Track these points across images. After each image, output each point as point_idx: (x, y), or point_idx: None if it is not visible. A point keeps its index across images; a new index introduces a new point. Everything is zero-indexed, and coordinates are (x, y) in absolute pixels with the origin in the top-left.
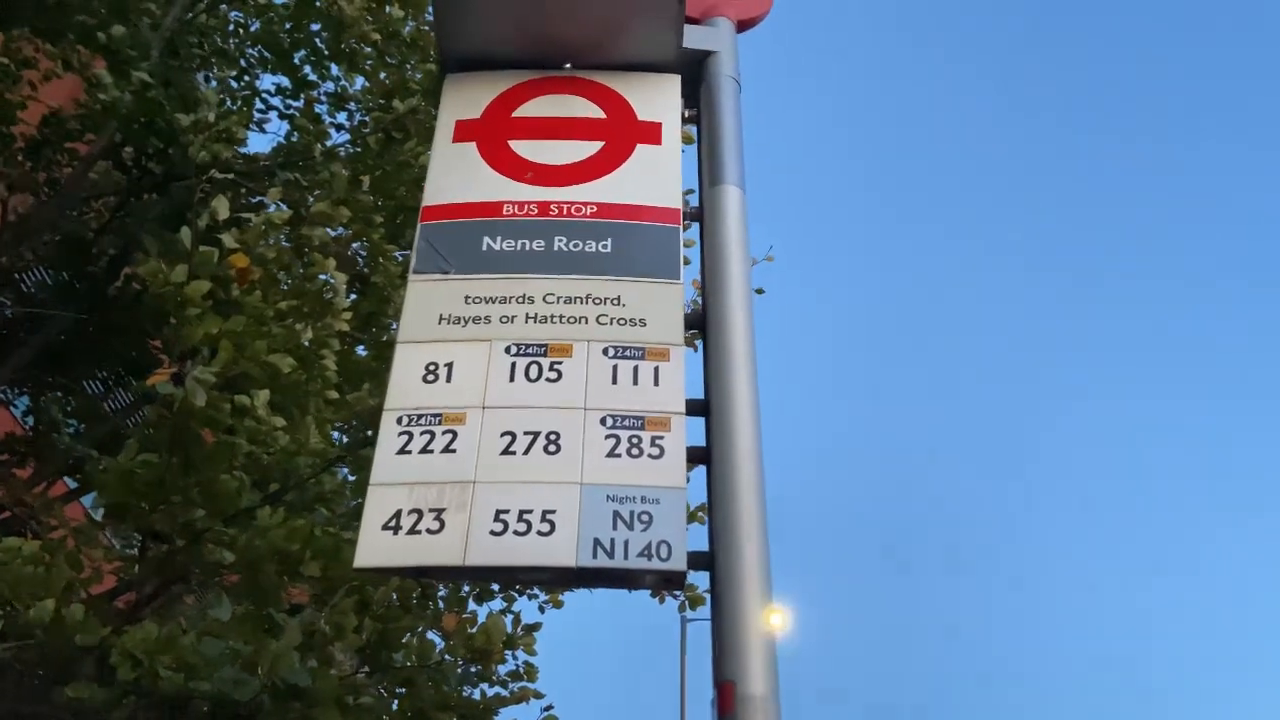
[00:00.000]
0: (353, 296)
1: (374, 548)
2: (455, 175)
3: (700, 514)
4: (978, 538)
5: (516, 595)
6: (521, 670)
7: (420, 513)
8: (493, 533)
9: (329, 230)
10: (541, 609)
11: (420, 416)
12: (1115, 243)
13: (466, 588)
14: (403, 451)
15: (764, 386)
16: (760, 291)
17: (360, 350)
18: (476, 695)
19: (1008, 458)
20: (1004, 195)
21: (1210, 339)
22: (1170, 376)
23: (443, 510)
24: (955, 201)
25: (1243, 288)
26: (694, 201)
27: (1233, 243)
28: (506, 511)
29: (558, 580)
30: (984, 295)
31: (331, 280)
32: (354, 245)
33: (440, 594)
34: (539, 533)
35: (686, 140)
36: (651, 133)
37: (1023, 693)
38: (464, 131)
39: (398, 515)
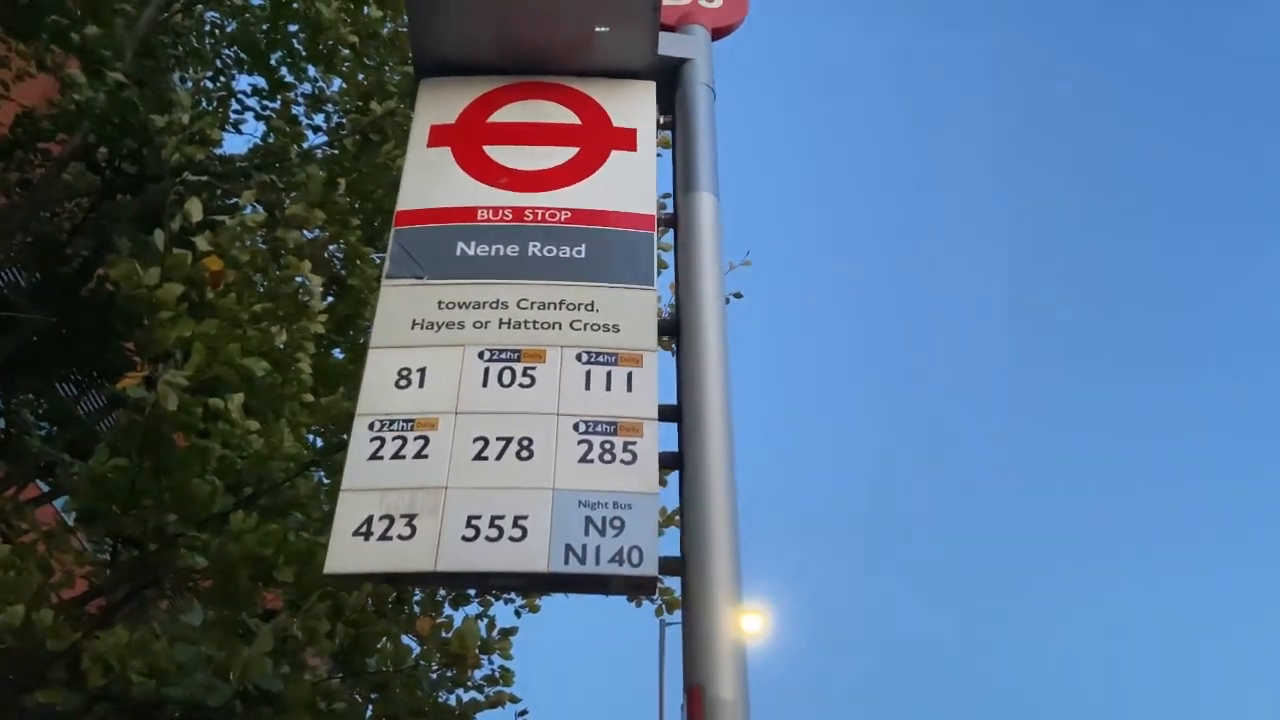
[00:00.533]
0: (329, 299)
1: (345, 553)
2: (430, 180)
3: (677, 518)
4: (974, 538)
5: (493, 599)
6: (497, 675)
7: (392, 518)
8: (464, 538)
9: (305, 233)
10: (518, 613)
11: (392, 422)
12: (1124, 241)
13: (442, 592)
14: (374, 457)
15: (759, 388)
16: (738, 295)
17: (336, 353)
18: (452, 700)
19: (1005, 460)
20: (1008, 194)
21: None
22: (1176, 377)
23: (414, 516)
24: (958, 201)
25: None
26: (670, 207)
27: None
28: (478, 517)
29: (530, 585)
30: (985, 295)
31: (307, 283)
32: (330, 247)
33: (415, 598)
34: (511, 538)
35: (664, 145)
36: (626, 139)
37: (1017, 700)
38: (439, 136)
39: (369, 521)
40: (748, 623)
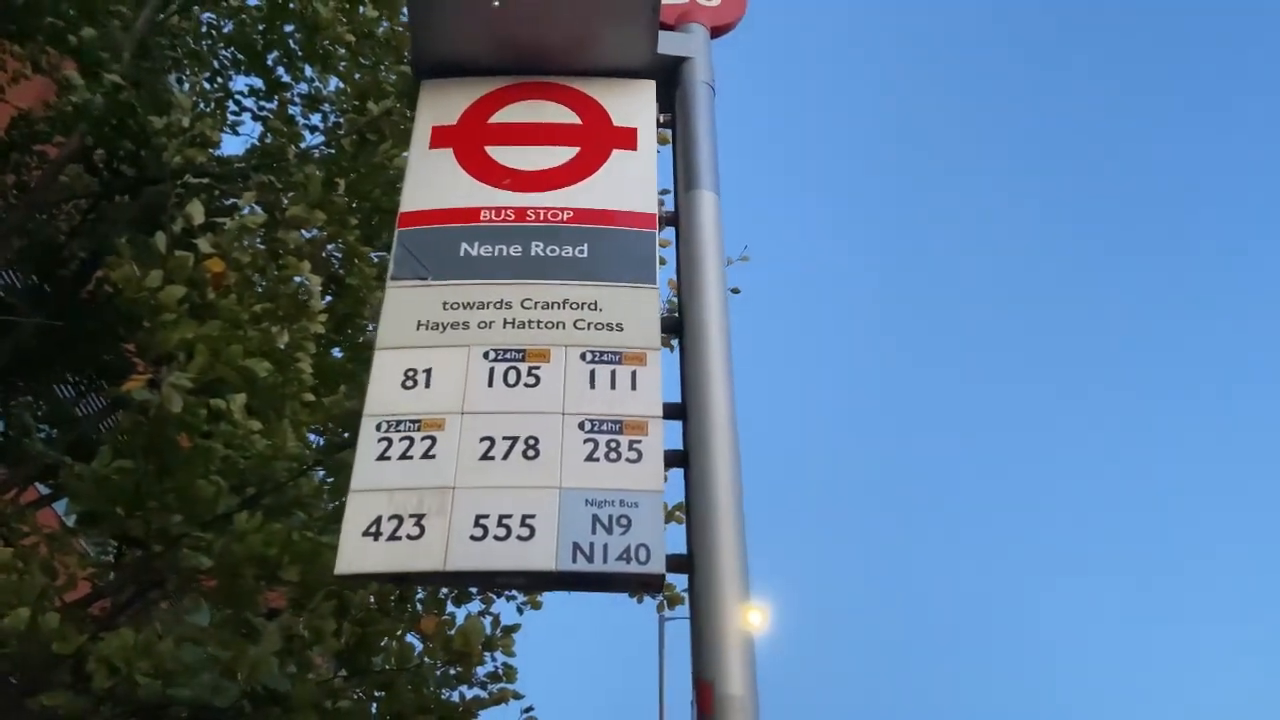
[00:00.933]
0: (328, 299)
1: (354, 554)
2: (432, 181)
3: (679, 513)
4: (973, 535)
5: (495, 597)
6: (500, 672)
7: (400, 518)
8: (473, 538)
9: (304, 233)
10: (520, 610)
11: (399, 423)
12: (1122, 241)
13: (445, 590)
14: (382, 458)
15: (755, 383)
16: (736, 291)
17: (336, 353)
18: (456, 698)
19: (1003, 455)
20: (999, 192)
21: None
22: (1171, 370)
23: (423, 516)
24: (952, 199)
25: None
26: (670, 205)
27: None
28: (486, 516)
29: (537, 584)
30: (979, 290)
31: (306, 283)
32: (329, 247)
33: (419, 597)
34: (519, 537)
35: (662, 142)
36: (627, 138)
37: (1018, 686)
38: (441, 138)
39: (378, 521)
40: (750, 618)
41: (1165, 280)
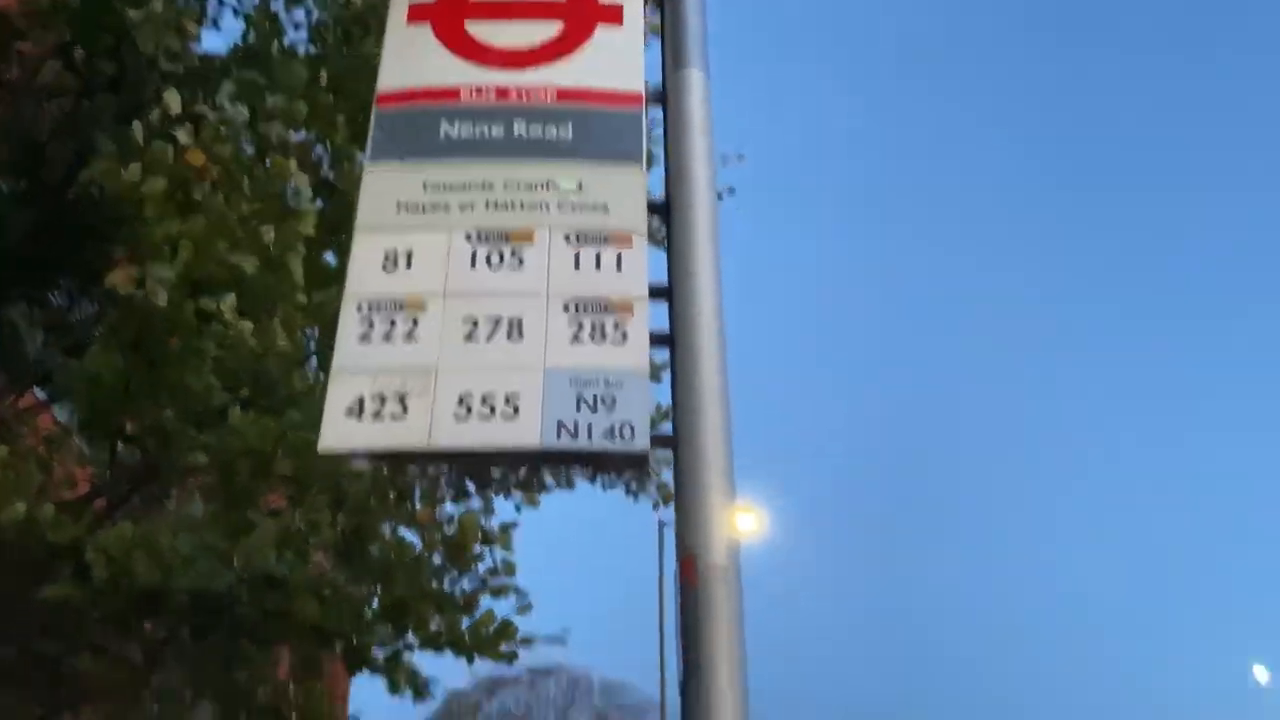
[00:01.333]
0: (319, 202)
1: (338, 432)
2: (410, 59)
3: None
4: (976, 492)
5: (493, 496)
6: (499, 567)
7: (383, 398)
8: (456, 417)
9: (290, 132)
10: (518, 509)
11: (381, 304)
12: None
13: (442, 493)
14: (364, 339)
15: (757, 333)
16: (731, 191)
17: (329, 257)
18: (456, 592)
19: (1002, 426)
20: (999, 177)
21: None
22: (1165, 352)
23: (406, 395)
24: (947, 180)
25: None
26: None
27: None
28: (470, 395)
29: (522, 462)
30: (990, 251)
31: (295, 187)
32: (317, 149)
33: (416, 494)
34: (503, 416)
35: (653, 30)
36: (612, 13)
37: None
38: (418, 12)
39: (360, 401)
40: (742, 520)
41: (1179, 276)
